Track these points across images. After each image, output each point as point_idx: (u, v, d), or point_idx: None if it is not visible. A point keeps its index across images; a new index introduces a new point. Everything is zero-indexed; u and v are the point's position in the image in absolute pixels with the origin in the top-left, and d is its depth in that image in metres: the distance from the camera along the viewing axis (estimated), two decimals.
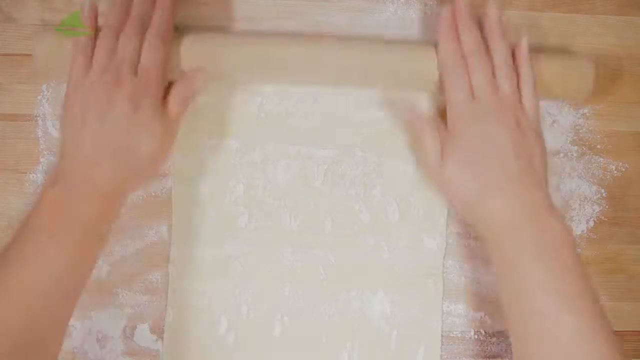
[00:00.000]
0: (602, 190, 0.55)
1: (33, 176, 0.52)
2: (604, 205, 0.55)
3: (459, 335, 0.53)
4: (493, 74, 0.46)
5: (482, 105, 0.44)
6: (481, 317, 0.53)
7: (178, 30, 0.49)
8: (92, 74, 0.44)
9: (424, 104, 0.52)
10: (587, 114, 0.55)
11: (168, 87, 0.47)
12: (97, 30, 0.47)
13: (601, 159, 0.55)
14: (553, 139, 0.54)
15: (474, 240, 0.54)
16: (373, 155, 0.53)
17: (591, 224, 0.54)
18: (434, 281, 0.53)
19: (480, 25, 0.48)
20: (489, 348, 0.53)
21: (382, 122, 0.53)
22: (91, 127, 0.43)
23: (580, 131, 0.55)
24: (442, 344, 0.53)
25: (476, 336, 0.53)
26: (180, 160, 0.53)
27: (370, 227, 0.53)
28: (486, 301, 0.54)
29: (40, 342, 0.39)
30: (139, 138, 0.43)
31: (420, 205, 0.53)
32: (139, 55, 0.44)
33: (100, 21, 0.48)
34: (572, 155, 0.55)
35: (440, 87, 0.48)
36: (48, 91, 0.53)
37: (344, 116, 0.53)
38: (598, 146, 0.55)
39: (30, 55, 0.52)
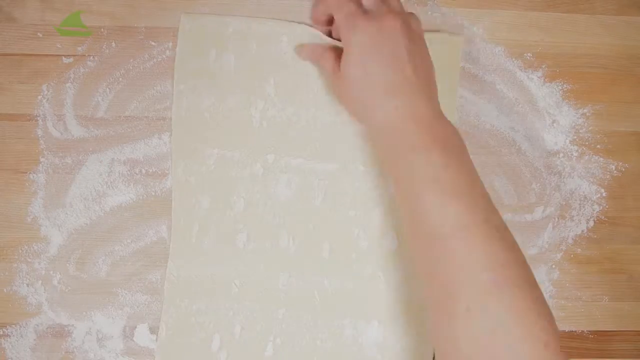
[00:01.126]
0: (602, 190, 0.55)
1: (33, 176, 0.52)
2: (604, 205, 0.55)
3: None
4: None
5: (375, 14, 0.45)
6: None
7: None
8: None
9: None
10: (587, 114, 0.55)
11: None
12: None
13: (601, 159, 0.55)
14: (553, 139, 0.55)
15: None
16: (374, 170, 0.53)
17: (591, 224, 0.54)
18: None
19: None
20: None
21: None
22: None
23: (580, 131, 0.55)
24: None
25: None
26: (181, 171, 0.52)
27: (368, 255, 0.52)
28: None
29: None
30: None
31: None
32: None
33: None
34: (572, 155, 0.55)
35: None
36: (48, 91, 0.53)
37: (346, 126, 0.53)
38: (598, 146, 0.55)
39: (30, 55, 0.53)
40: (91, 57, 0.53)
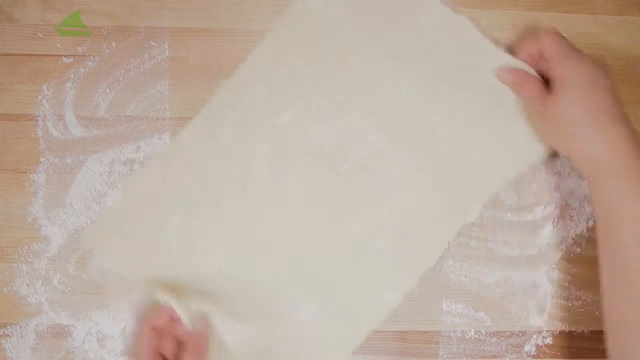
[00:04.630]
0: None
1: (33, 176, 0.52)
2: None
3: (459, 335, 0.53)
4: None
5: (579, 51, 0.48)
6: (481, 317, 0.54)
7: None
8: None
9: None
10: None
11: None
12: None
13: None
14: None
15: (474, 240, 0.54)
16: (408, 153, 0.53)
17: (591, 223, 0.54)
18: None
19: None
20: (488, 348, 0.53)
21: (431, 113, 0.53)
22: None
23: None
24: (442, 344, 0.53)
25: (476, 336, 0.53)
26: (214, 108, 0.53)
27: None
28: (486, 301, 0.54)
29: None
30: None
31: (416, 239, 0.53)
32: None
33: None
34: None
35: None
36: (48, 91, 0.53)
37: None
38: None
39: (30, 55, 0.53)
40: (91, 57, 0.53)
